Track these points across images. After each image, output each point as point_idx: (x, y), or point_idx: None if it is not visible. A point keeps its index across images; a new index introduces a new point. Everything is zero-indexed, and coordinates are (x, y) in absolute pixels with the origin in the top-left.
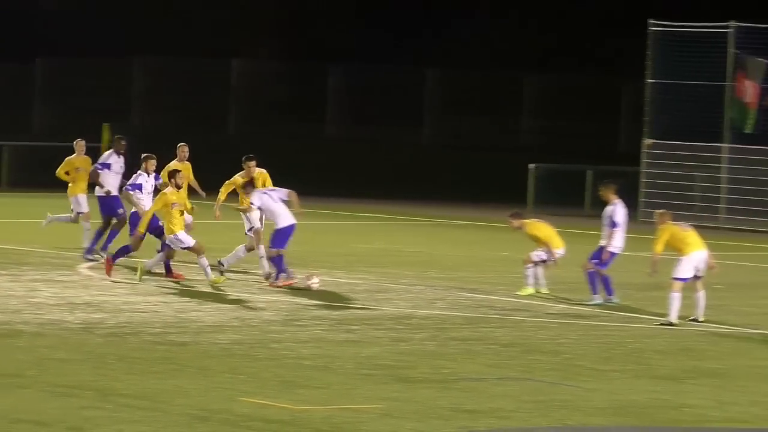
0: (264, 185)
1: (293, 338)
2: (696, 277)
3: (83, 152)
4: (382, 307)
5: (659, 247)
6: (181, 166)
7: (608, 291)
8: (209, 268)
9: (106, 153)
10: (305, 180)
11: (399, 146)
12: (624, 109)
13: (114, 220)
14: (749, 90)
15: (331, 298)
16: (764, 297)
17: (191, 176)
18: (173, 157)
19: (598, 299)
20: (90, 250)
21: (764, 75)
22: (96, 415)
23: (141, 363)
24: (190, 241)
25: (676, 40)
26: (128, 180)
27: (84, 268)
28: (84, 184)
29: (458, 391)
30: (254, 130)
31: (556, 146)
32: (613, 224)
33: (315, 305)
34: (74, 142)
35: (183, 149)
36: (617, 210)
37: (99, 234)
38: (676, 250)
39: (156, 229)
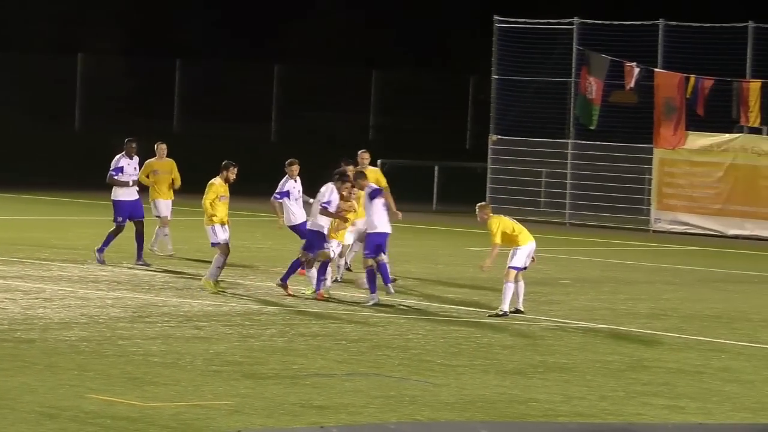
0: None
1: (141, 335)
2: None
3: (164, 155)
4: (230, 303)
5: (498, 239)
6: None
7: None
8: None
9: (117, 157)
10: None
11: (247, 142)
12: (470, 106)
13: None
14: (593, 86)
15: (180, 295)
16: (608, 292)
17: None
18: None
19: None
20: (138, 257)
21: (608, 71)
22: None
23: None
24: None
25: (521, 36)
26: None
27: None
28: (164, 188)
29: (308, 387)
30: (100, 126)
31: (403, 142)
32: None
33: (163, 302)
34: (155, 145)
35: (162, 147)
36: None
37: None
38: (508, 242)
39: None
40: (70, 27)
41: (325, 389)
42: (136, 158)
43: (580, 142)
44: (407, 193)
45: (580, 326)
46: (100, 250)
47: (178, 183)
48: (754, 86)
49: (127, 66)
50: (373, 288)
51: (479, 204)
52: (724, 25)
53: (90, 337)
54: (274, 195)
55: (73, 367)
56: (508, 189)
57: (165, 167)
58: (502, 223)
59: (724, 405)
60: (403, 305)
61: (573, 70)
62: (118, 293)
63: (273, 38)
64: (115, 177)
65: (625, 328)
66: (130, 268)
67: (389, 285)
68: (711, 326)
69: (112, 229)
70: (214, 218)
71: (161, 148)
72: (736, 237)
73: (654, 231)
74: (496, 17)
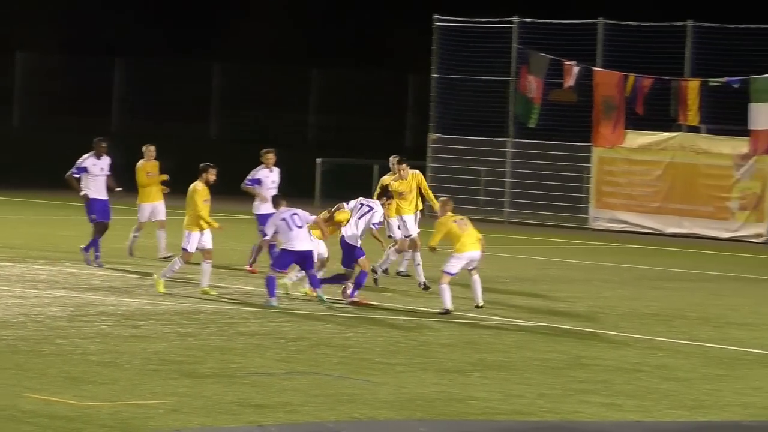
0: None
1: (79, 334)
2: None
3: (153, 157)
4: (169, 302)
5: (435, 241)
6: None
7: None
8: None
9: (84, 156)
10: None
11: (186, 141)
12: (410, 104)
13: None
14: (533, 85)
15: (118, 294)
16: (547, 290)
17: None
18: None
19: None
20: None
21: (547, 70)
22: None
23: None
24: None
25: (461, 35)
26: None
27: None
28: (156, 190)
29: (247, 385)
30: (38, 125)
31: (343, 141)
32: None
33: (101, 301)
34: (144, 147)
35: (150, 149)
36: None
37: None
38: (452, 244)
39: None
40: (7, 26)
41: (264, 388)
42: (105, 158)
43: (519, 140)
44: (346, 191)
45: (519, 324)
46: (86, 249)
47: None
48: (693, 85)
49: (65, 64)
50: (272, 292)
51: (442, 199)
52: (663, 24)
53: (28, 336)
54: (245, 181)
55: (11, 366)
56: (447, 187)
57: (156, 169)
58: (446, 228)
59: (662, 403)
60: (343, 304)
61: (513, 69)
62: (56, 292)
63: (213, 36)
64: (76, 176)
65: (564, 326)
66: (68, 266)
67: (318, 289)
68: (649, 324)
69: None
70: (202, 224)
71: (150, 150)
72: (674, 235)
73: (593, 229)
74: (435, 16)
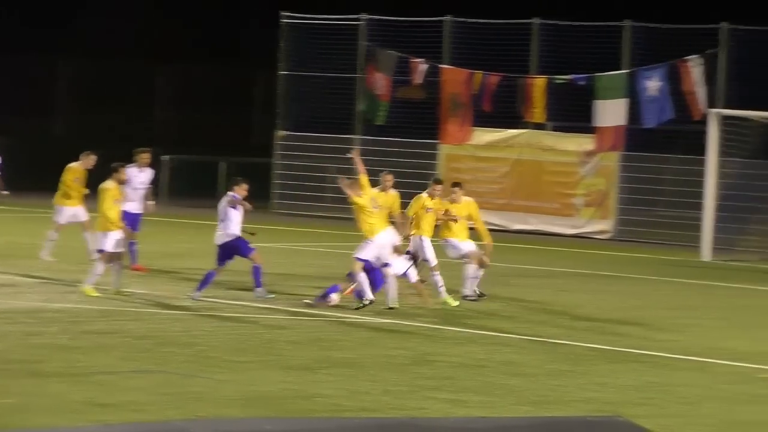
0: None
1: None
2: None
3: (91, 165)
4: (13, 301)
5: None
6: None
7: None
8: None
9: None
10: None
11: (30, 137)
12: (257, 101)
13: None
14: (380, 82)
15: None
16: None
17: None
18: None
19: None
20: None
21: (395, 67)
22: None
23: None
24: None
25: (308, 31)
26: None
27: None
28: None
29: (92, 384)
30: None
31: (190, 138)
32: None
33: None
34: (83, 154)
35: (91, 157)
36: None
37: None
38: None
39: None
40: None
41: (109, 387)
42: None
43: (367, 137)
44: (193, 188)
45: (366, 322)
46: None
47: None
48: (539, 82)
49: None
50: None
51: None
52: (509, 21)
53: None
54: None
55: None
56: (295, 184)
57: (83, 177)
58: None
59: (507, 398)
60: (191, 302)
61: (360, 66)
62: None
63: (59, 30)
64: None
65: (410, 323)
66: None
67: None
68: (494, 320)
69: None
70: (114, 224)
71: (90, 158)
72: (520, 232)
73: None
74: (283, 12)
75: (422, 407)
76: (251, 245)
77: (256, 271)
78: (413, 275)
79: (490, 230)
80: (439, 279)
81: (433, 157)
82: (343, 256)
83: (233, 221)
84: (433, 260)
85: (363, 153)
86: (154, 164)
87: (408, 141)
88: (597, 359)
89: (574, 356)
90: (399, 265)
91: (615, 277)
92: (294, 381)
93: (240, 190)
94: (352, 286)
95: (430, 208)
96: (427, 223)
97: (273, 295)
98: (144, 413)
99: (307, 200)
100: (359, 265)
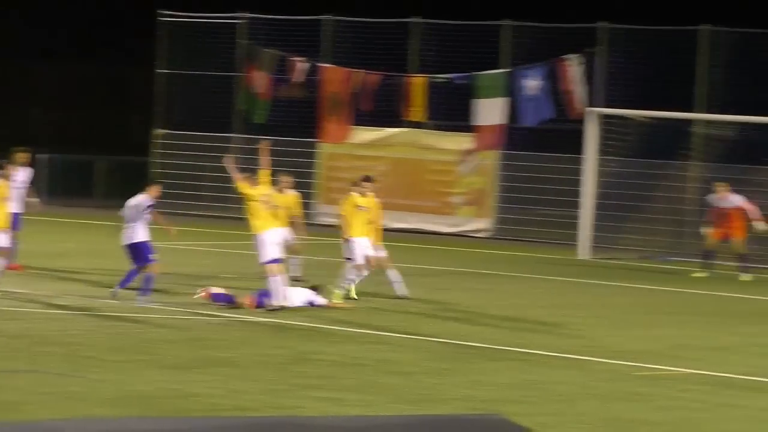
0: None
1: None
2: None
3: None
4: None
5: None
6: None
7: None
8: None
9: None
10: None
11: None
12: (136, 99)
13: None
14: (260, 81)
15: None
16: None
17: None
18: None
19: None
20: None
21: (275, 66)
22: None
23: None
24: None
25: (187, 30)
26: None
27: None
28: None
29: None
30: None
31: (68, 136)
32: None
33: None
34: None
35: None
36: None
37: None
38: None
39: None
40: None
41: None
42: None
43: (247, 136)
44: (72, 187)
45: (244, 320)
46: None
47: None
48: (418, 81)
49: None
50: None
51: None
52: (389, 20)
53: None
54: None
55: None
56: (174, 183)
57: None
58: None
59: (385, 397)
60: (65, 301)
61: (240, 64)
62: None
63: None
64: None
65: (288, 321)
66: None
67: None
68: (372, 319)
69: None
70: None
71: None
72: (400, 230)
73: (319, 224)
74: (161, 11)
75: (300, 406)
76: (153, 255)
77: (148, 280)
78: (320, 299)
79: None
80: (353, 278)
81: (313, 155)
82: (223, 256)
83: (142, 224)
84: (359, 260)
85: (243, 152)
86: (31, 163)
87: (288, 140)
88: (475, 357)
89: (451, 354)
90: (298, 296)
91: (494, 276)
92: (171, 380)
93: (153, 192)
94: (203, 293)
95: (363, 207)
96: (360, 222)
97: (154, 305)
98: (18, 413)
99: (186, 199)
100: (274, 268)
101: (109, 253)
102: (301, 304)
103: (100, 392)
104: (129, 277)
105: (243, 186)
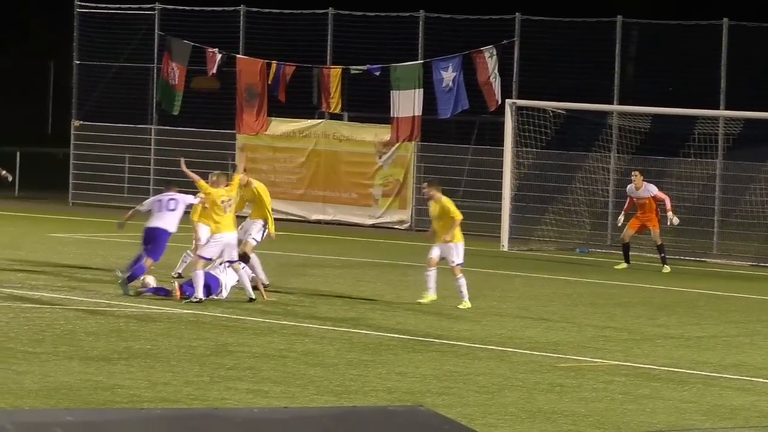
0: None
1: None
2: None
3: None
4: None
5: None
6: None
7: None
8: None
9: None
10: None
11: None
12: (52, 91)
13: None
14: (175, 72)
15: None
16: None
17: None
18: None
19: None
20: None
21: (190, 57)
22: None
23: None
24: None
25: (102, 20)
26: None
27: None
28: None
29: None
30: None
31: None
32: None
33: None
34: None
35: None
36: None
37: None
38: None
39: None
40: None
41: None
42: None
43: (163, 127)
44: None
45: (165, 312)
46: None
47: None
48: (335, 72)
49: None
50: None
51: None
52: (304, 11)
53: None
54: None
55: None
56: (91, 175)
57: None
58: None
59: (308, 388)
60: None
61: (155, 55)
62: None
63: None
64: None
65: (209, 313)
66: None
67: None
68: (294, 311)
69: None
70: None
71: None
72: (319, 222)
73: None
74: (77, 2)
75: (223, 398)
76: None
77: (141, 269)
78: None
79: (289, 220)
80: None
81: (230, 147)
82: (131, 247)
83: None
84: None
85: (159, 143)
86: None
87: (204, 131)
88: (397, 349)
89: (374, 346)
90: (231, 279)
91: (414, 267)
92: (93, 372)
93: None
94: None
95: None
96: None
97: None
98: None
99: (105, 190)
100: (201, 263)
101: (29, 246)
102: (234, 283)
103: (24, 384)
104: (139, 264)
105: (203, 186)
